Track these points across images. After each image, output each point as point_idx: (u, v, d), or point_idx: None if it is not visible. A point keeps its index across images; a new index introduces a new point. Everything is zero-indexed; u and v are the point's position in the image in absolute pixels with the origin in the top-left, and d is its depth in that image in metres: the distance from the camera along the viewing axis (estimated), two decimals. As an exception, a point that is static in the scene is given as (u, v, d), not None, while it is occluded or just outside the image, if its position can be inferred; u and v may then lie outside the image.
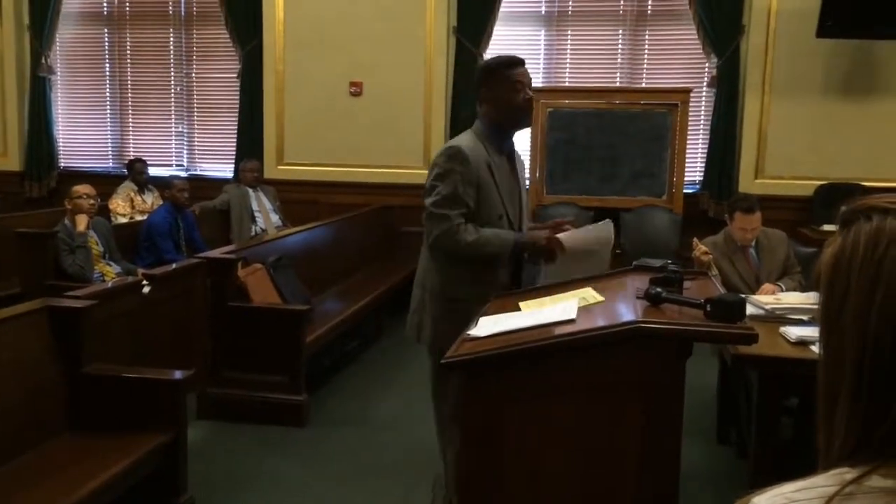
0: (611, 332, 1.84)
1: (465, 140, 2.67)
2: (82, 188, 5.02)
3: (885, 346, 0.75)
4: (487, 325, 2.11)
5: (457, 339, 2.28)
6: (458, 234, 2.53)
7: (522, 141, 6.68)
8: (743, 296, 2.12)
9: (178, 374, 3.11)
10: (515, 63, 2.69)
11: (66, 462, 2.80)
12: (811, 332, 2.98)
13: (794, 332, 2.98)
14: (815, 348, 2.87)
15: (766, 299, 3.38)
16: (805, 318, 3.19)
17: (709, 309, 1.79)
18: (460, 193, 2.56)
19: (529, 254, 2.68)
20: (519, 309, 2.27)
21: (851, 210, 0.82)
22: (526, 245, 2.64)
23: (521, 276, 2.76)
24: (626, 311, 2.01)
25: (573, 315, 2.02)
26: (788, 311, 3.23)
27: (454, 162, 2.57)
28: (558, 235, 2.65)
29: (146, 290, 3.87)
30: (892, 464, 0.74)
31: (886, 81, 6.36)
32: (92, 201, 5.00)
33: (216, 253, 4.54)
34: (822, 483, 0.76)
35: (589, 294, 2.24)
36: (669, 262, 2.22)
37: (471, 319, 2.30)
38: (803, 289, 3.91)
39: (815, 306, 3.17)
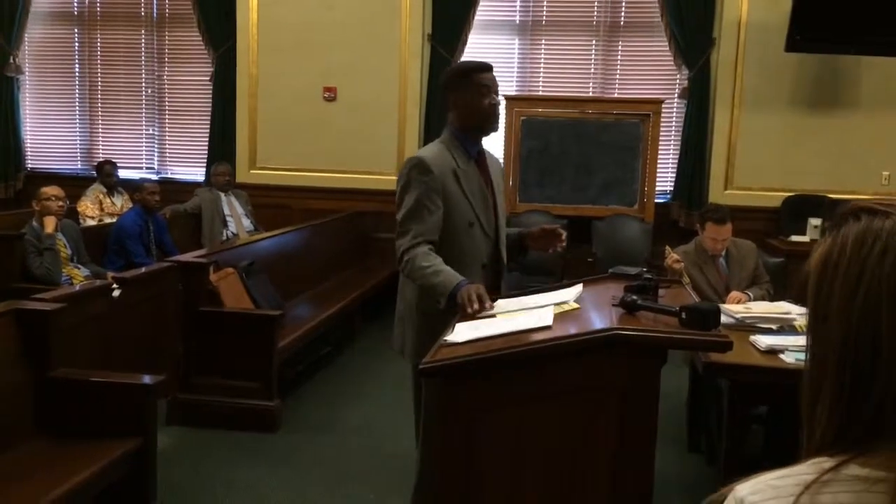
0: (587, 339, 1.85)
1: (429, 150, 2.65)
2: (51, 189, 4.94)
3: (866, 342, 0.78)
4: (464, 332, 2.12)
5: (422, 346, 2.39)
6: (410, 255, 2.48)
7: (495, 148, 6.72)
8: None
9: (147, 380, 3.07)
10: (482, 68, 2.66)
11: (32, 468, 2.75)
12: (781, 340, 3.03)
13: (764, 340, 3.02)
14: (785, 357, 2.92)
15: (736, 308, 3.43)
16: (774, 326, 3.24)
17: (684, 317, 1.82)
18: (425, 204, 2.51)
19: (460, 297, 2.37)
20: (495, 316, 2.28)
21: (841, 213, 0.85)
22: (458, 296, 2.36)
23: (500, 284, 2.72)
24: (602, 319, 2.02)
25: (549, 322, 2.03)
26: (758, 321, 3.27)
27: (415, 172, 2.54)
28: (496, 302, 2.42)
29: (116, 293, 3.82)
30: (870, 454, 0.78)
31: (852, 95, 6.49)
32: (60, 203, 4.92)
33: (188, 257, 4.50)
34: (803, 471, 0.79)
35: (564, 301, 2.25)
36: (645, 269, 2.24)
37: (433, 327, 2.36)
38: (771, 298, 3.98)
39: (784, 316, 3.22)
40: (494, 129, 2.72)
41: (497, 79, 2.68)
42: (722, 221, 4.12)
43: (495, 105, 2.64)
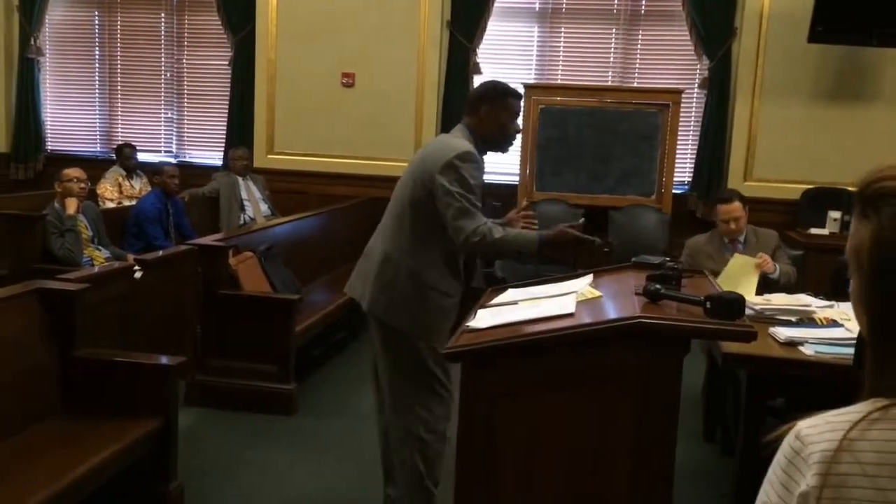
0: (610, 327, 1.86)
1: (470, 147, 2.77)
2: (73, 171, 4.98)
3: None
4: (486, 317, 2.13)
5: (435, 326, 2.71)
6: (489, 232, 2.60)
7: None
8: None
9: (170, 360, 3.10)
10: (519, 95, 2.92)
11: (55, 446, 2.78)
12: (800, 332, 3.02)
13: (783, 332, 3.02)
14: (804, 349, 2.92)
15: (756, 300, 3.42)
16: (794, 319, 3.23)
17: (709, 306, 1.82)
18: (475, 195, 2.67)
19: (553, 250, 2.72)
20: (516, 303, 2.29)
21: (876, 193, 0.97)
22: (549, 240, 2.67)
23: (472, 276, 2.95)
24: (625, 307, 2.03)
25: (571, 309, 2.04)
26: (777, 312, 3.27)
27: (473, 167, 2.68)
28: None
29: (138, 275, 3.85)
30: None
31: (875, 87, 6.43)
32: (82, 185, 4.96)
33: (208, 240, 4.53)
34: (857, 409, 0.89)
35: (586, 289, 2.26)
36: (668, 259, 2.24)
37: (445, 310, 2.73)
38: (794, 282, 3.95)
39: (804, 308, 3.21)
40: (505, 151, 2.96)
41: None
42: (727, 200, 4.11)
43: (517, 132, 2.91)
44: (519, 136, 7.06)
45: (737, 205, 4.11)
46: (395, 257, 2.77)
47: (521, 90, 6.47)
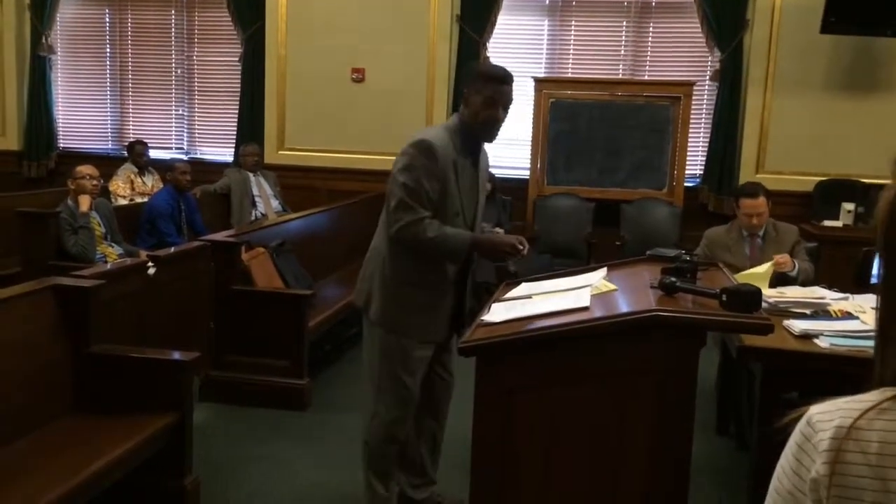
0: (627, 320, 1.85)
1: (437, 135, 2.67)
2: (85, 169, 4.99)
3: None
4: (501, 311, 2.13)
5: (402, 320, 2.70)
6: (422, 229, 2.57)
7: (522, 131, 6.70)
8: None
9: (184, 356, 3.11)
10: (501, 79, 2.67)
11: (72, 442, 2.80)
12: (815, 325, 3.01)
13: (798, 325, 3.00)
14: (819, 342, 2.90)
15: (770, 293, 3.40)
16: (808, 311, 3.21)
17: (724, 299, 1.81)
18: (426, 188, 2.58)
19: (483, 253, 2.76)
20: (530, 296, 2.29)
21: None
22: (482, 244, 2.71)
23: (468, 270, 2.83)
24: (640, 300, 2.02)
25: (587, 303, 2.04)
26: (791, 305, 3.25)
27: (423, 157, 2.59)
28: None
29: (151, 271, 3.87)
30: None
31: (888, 78, 6.38)
32: (95, 182, 4.98)
33: (220, 236, 4.54)
34: (869, 398, 0.89)
35: (601, 282, 2.25)
36: (683, 252, 2.23)
37: (417, 305, 2.69)
38: (807, 276, 3.93)
39: (819, 301, 3.19)
40: (488, 140, 2.77)
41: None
42: (753, 195, 4.08)
43: (495, 120, 2.66)
44: (529, 130, 6.96)
45: (762, 200, 4.08)
46: (378, 250, 2.78)
47: (531, 83, 6.56)
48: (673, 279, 1.96)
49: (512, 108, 2.74)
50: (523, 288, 2.42)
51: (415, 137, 2.65)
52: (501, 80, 2.66)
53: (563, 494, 1.95)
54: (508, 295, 2.36)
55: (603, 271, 2.37)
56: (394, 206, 2.61)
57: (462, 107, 2.72)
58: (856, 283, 3.65)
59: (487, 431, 1.95)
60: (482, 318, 2.10)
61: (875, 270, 3.68)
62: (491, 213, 5.30)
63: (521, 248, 2.58)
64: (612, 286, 2.19)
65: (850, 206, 5.97)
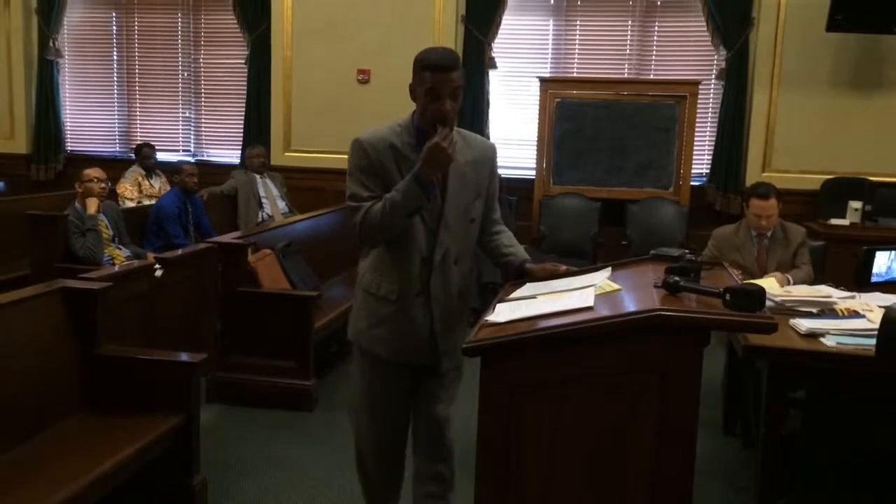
0: (630, 319, 1.85)
1: (372, 131, 2.40)
2: (93, 171, 5.02)
3: None
4: (505, 312, 2.13)
5: (361, 332, 2.47)
6: (370, 212, 2.32)
7: (529, 130, 6.70)
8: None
9: (191, 357, 3.13)
10: (438, 66, 2.27)
11: (80, 443, 2.82)
12: (821, 324, 3.01)
13: (804, 324, 3.00)
14: (826, 340, 2.90)
15: (777, 291, 3.40)
16: (814, 310, 3.21)
17: (728, 298, 1.81)
18: (366, 184, 2.35)
19: (428, 170, 2.26)
20: (535, 297, 2.29)
21: None
22: (423, 166, 2.25)
23: (430, 281, 2.44)
24: (644, 300, 2.02)
25: (591, 303, 2.04)
26: (798, 304, 3.25)
27: (355, 156, 2.37)
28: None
29: (158, 273, 3.89)
30: None
31: (894, 76, 6.36)
32: (102, 185, 5.01)
33: (227, 238, 4.56)
34: None
35: (605, 282, 2.25)
36: (687, 251, 2.23)
37: (385, 315, 2.41)
38: (812, 282, 3.93)
39: (825, 299, 3.19)
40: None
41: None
42: (765, 196, 4.07)
43: (443, 113, 2.27)
44: (534, 130, 6.93)
45: (773, 202, 4.08)
46: (360, 264, 2.60)
47: (537, 83, 6.56)
48: (676, 278, 1.96)
49: (456, 95, 2.31)
50: (528, 288, 2.42)
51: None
52: (438, 67, 2.26)
53: (567, 494, 1.95)
54: (513, 295, 2.36)
55: (607, 271, 2.37)
56: (350, 217, 2.40)
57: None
58: (856, 282, 3.64)
59: (492, 432, 1.95)
60: (487, 318, 2.10)
61: (875, 269, 3.69)
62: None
63: (444, 132, 2.23)
64: (615, 286, 2.19)
65: (857, 204, 5.95)
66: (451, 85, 2.28)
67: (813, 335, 2.94)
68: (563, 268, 2.50)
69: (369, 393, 2.53)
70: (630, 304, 2.04)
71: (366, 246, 2.47)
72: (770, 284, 3.61)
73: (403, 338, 2.43)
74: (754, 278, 3.95)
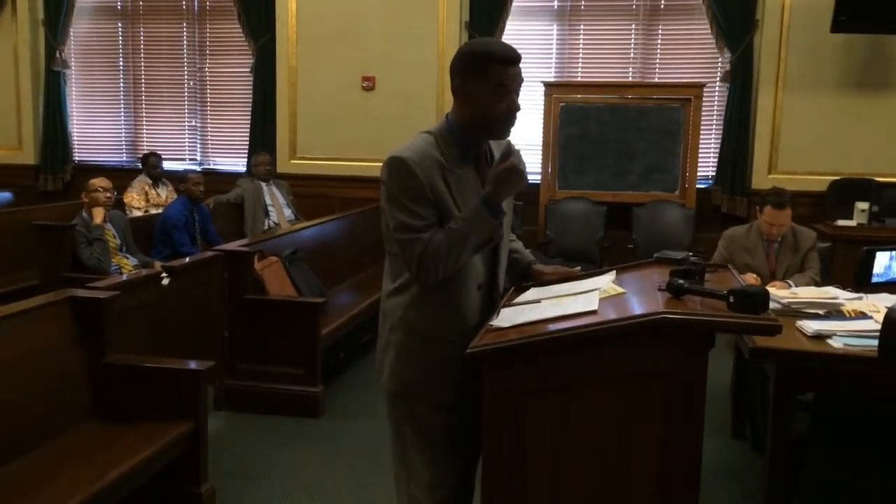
0: (634, 323, 1.85)
1: (412, 146, 2.07)
2: (99, 181, 5.05)
3: None
4: (509, 316, 2.13)
5: (418, 382, 2.15)
6: (431, 245, 2.00)
7: (534, 136, 6.71)
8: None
9: (199, 365, 3.14)
10: (506, 59, 2.05)
11: (89, 451, 2.83)
12: (828, 325, 3.00)
13: (811, 325, 2.99)
14: (833, 342, 2.89)
15: (783, 293, 3.39)
16: (821, 312, 3.20)
17: (732, 300, 1.81)
18: (416, 212, 2.02)
19: (500, 193, 2.07)
20: (539, 300, 2.29)
21: None
22: (494, 189, 2.06)
23: (493, 310, 2.22)
24: (649, 303, 2.02)
25: (595, 306, 2.04)
26: (805, 306, 3.24)
27: (398, 177, 2.03)
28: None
29: (165, 281, 3.90)
30: None
31: (900, 77, 6.35)
32: (108, 194, 5.04)
33: (233, 246, 4.58)
34: None
35: (609, 286, 2.25)
36: (691, 254, 2.23)
37: (444, 358, 2.09)
38: (817, 285, 3.92)
39: (832, 301, 3.18)
40: (501, 137, 2.19)
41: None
42: (781, 206, 4.07)
43: (513, 111, 2.09)
44: (540, 134, 6.90)
45: (787, 212, 4.08)
46: (384, 305, 2.23)
47: (541, 88, 6.56)
48: (680, 281, 1.96)
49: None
50: (532, 292, 2.42)
51: (386, 159, 2.07)
52: (507, 60, 2.05)
53: (573, 498, 1.95)
54: (518, 300, 2.36)
55: (611, 275, 2.37)
56: (398, 251, 2.07)
57: (456, 106, 2.12)
58: (856, 282, 3.63)
59: (496, 436, 1.95)
60: (491, 322, 2.10)
61: (875, 270, 3.68)
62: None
63: (516, 162, 2.07)
64: (620, 289, 2.19)
65: (863, 205, 5.93)
66: (521, 79, 2.10)
67: (820, 337, 2.93)
68: (577, 269, 2.44)
69: (428, 448, 2.17)
70: (634, 308, 2.04)
71: (417, 282, 2.08)
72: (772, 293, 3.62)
73: (474, 380, 2.01)
74: (764, 281, 3.95)
